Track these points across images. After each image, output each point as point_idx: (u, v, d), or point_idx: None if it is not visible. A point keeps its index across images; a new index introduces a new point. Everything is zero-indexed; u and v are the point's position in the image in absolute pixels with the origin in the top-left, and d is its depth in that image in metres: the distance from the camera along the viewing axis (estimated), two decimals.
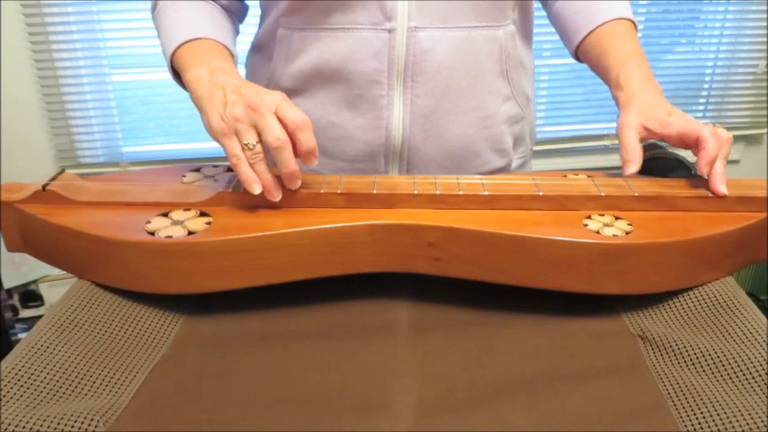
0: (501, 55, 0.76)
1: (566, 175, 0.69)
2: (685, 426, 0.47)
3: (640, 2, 1.90)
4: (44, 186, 0.63)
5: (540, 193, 0.62)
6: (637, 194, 0.62)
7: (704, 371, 0.52)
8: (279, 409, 0.49)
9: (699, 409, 0.48)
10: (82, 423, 0.46)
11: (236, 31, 0.81)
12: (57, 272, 1.80)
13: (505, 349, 0.56)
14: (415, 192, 0.62)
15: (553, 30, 0.84)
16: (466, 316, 0.60)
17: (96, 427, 0.46)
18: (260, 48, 0.82)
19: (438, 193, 0.62)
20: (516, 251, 0.57)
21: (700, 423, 0.47)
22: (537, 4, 0.83)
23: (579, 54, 0.80)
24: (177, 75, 0.72)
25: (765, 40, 1.96)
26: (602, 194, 0.62)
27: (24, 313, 1.85)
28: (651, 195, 0.62)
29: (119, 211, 0.62)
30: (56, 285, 1.83)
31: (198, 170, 0.71)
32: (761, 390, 0.49)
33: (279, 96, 0.60)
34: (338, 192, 0.62)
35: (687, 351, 0.54)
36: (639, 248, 0.57)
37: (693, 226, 0.59)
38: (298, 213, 0.61)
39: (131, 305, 0.60)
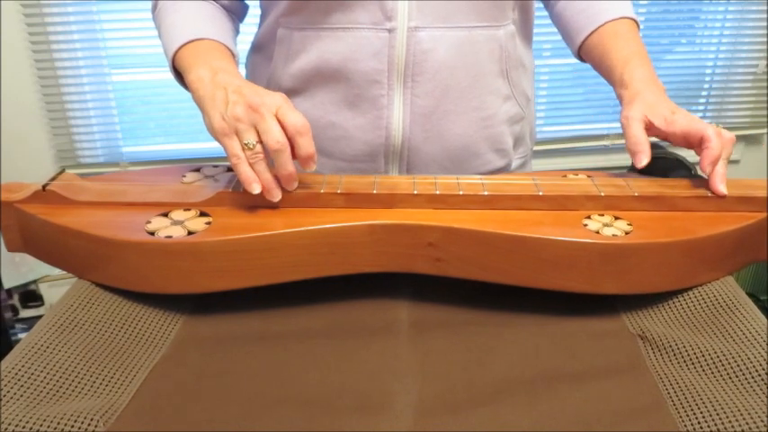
0: (501, 55, 0.76)
1: (566, 175, 0.69)
2: (685, 425, 0.47)
3: (640, 2, 1.90)
4: (44, 186, 0.63)
5: (540, 193, 0.62)
6: (636, 194, 0.62)
7: (704, 371, 0.52)
8: (279, 409, 0.49)
9: (698, 408, 0.48)
10: (82, 423, 0.46)
11: (237, 31, 0.81)
12: (57, 272, 1.80)
13: (505, 349, 0.56)
14: (415, 192, 0.62)
15: (553, 30, 0.84)
16: (466, 316, 0.60)
17: (96, 426, 0.46)
18: (260, 48, 0.82)
19: (438, 193, 0.62)
20: (516, 251, 0.57)
21: (699, 423, 0.47)
22: (537, 4, 0.83)
23: (582, 54, 0.80)
24: (179, 75, 0.72)
25: (765, 40, 1.96)
26: (602, 194, 0.62)
27: (24, 313, 1.85)
28: (651, 195, 0.62)
29: (119, 211, 0.62)
30: (56, 285, 1.83)
31: (198, 170, 0.71)
32: (760, 390, 0.49)
33: (280, 98, 0.60)
34: (338, 192, 0.62)
35: (687, 351, 0.54)
36: (639, 248, 0.57)
37: (693, 226, 0.59)
38: (298, 213, 0.61)
39: (131, 305, 0.60)
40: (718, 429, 0.46)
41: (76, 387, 0.50)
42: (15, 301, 1.83)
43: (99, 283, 0.61)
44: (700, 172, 0.67)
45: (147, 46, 1.76)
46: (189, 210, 0.62)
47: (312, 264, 0.59)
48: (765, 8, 1.92)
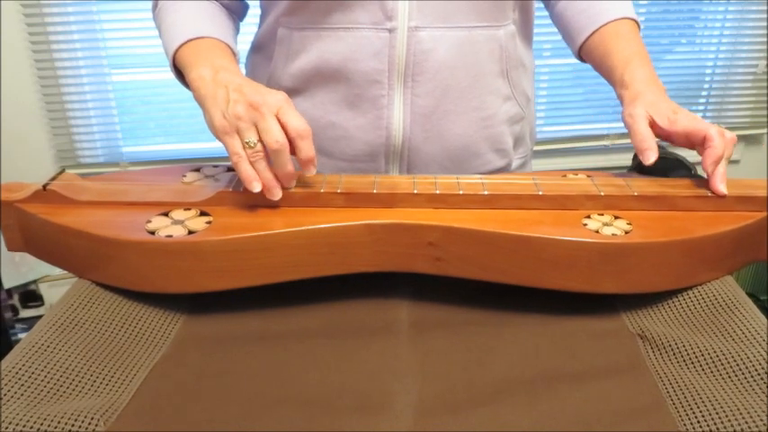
0: (501, 55, 0.76)
1: (565, 175, 0.69)
2: (685, 425, 0.47)
3: (640, 2, 1.90)
4: (44, 186, 0.63)
5: (540, 193, 0.62)
6: (636, 194, 0.62)
7: (703, 370, 0.52)
8: (279, 409, 0.49)
9: (698, 408, 0.48)
10: (82, 422, 0.46)
11: (237, 30, 0.81)
12: (57, 272, 1.80)
13: (505, 349, 0.56)
14: (415, 191, 0.62)
15: (553, 30, 0.84)
16: (466, 316, 0.60)
17: (97, 426, 0.46)
18: (260, 47, 0.82)
19: (438, 192, 0.62)
20: (516, 250, 0.57)
21: (699, 422, 0.47)
22: (537, 4, 0.83)
23: (582, 54, 0.80)
24: (179, 73, 0.72)
25: (765, 40, 1.96)
26: (602, 194, 0.62)
27: (24, 313, 1.85)
28: (651, 195, 0.62)
29: (119, 211, 0.62)
30: (56, 285, 1.83)
31: (198, 170, 0.71)
32: (760, 389, 0.49)
33: (281, 97, 0.61)
34: (338, 191, 0.62)
35: (686, 350, 0.54)
36: (639, 248, 0.57)
37: (693, 225, 0.59)
38: (298, 213, 0.61)
39: (131, 305, 0.60)
40: (717, 429, 0.46)
41: (77, 386, 0.50)
42: (15, 301, 1.83)
43: (99, 282, 0.61)
44: (700, 171, 0.67)
45: (147, 46, 1.76)
46: (189, 209, 0.62)
47: (312, 263, 0.59)
48: (765, 8, 1.92)
